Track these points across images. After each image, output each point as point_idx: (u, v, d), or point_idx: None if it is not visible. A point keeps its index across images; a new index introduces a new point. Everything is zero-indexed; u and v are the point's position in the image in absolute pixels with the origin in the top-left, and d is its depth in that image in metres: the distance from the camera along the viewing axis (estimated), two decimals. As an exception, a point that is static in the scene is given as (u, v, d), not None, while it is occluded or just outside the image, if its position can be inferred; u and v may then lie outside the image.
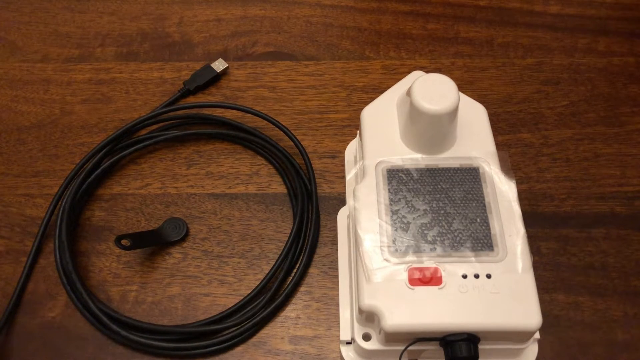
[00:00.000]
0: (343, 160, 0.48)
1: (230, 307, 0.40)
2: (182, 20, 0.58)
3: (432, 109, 0.36)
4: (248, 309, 0.40)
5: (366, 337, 0.36)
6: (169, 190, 0.47)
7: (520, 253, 0.34)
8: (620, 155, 0.48)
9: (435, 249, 0.35)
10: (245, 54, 0.55)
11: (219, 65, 0.53)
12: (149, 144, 0.47)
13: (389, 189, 0.37)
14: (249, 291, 0.41)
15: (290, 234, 0.42)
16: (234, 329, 0.40)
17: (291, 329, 0.41)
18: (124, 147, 0.48)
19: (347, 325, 0.38)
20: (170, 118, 0.49)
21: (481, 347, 0.33)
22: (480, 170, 0.38)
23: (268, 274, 0.41)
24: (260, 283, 0.41)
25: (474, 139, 0.39)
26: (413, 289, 0.33)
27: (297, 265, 0.42)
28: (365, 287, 0.34)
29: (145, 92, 0.53)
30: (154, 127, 0.50)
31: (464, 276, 0.34)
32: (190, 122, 0.50)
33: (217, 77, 0.53)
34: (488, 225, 0.35)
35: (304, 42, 0.56)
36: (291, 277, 0.42)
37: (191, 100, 0.52)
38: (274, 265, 0.41)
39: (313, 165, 0.48)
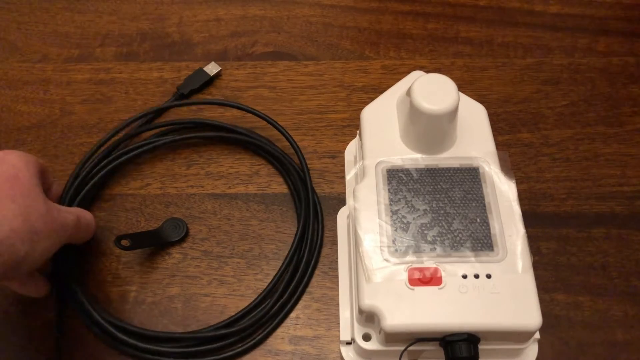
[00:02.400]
0: (343, 160, 0.48)
1: (240, 311, 0.40)
2: (182, 20, 0.58)
3: (432, 109, 0.36)
4: (255, 312, 0.40)
5: (366, 337, 0.36)
6: (169, 190, 0.47)
7: (520, 253, 0.34)
8: (620, 155, 0.48)
9: (435, 249, 0.35)
10: (245, 54, 0.55)
11: (212, 68, 0.53)
12: (146, 149, 0.47)
13: (389, 189, 0.37)
14: (249, 291, 0.41)
15: (295, 237, 0.42)
16: (243, 334, 0.40)
17: (291, 329, 0.41)
18: (120, 155, 0.47)
19: (347, 325, 0.38)
20: (167, 124, 0.49)
21: (481, 347, 0.33)
22: (480, 170, 0.38)
23: (274, 278, 0.41)
24: (267, 287, 0.41)
25: (474, 139, 0.39)
26: (413, 289, 0.33)
27: (308, 271, 0.42)
28: (365, 287, 0.34)
29: (145, 92, 0.53)
30: (154, 132, 0.50)
31: (464, 276, 0.34)
32: (188, 126, 0.50)
33: (210, 81, 0.53)
34: (488, 225, 0.35)
35: (304, 42, 0.56)
36: (302, 286, 0.42)
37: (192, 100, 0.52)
38: (279, 270, 0.41)
39: (313, 165, 0.48)
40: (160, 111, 0.50)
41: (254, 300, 0.40)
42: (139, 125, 0.48)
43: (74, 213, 0.38)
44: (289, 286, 0.41)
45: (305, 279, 0.42)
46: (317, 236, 0.44)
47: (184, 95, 0.52)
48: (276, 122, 0.47)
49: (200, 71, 0.53)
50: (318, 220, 0.44)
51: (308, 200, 0.44)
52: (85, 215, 0.40)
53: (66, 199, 0.43)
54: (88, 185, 0.45)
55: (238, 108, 0.48)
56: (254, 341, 0.40)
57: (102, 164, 0.46)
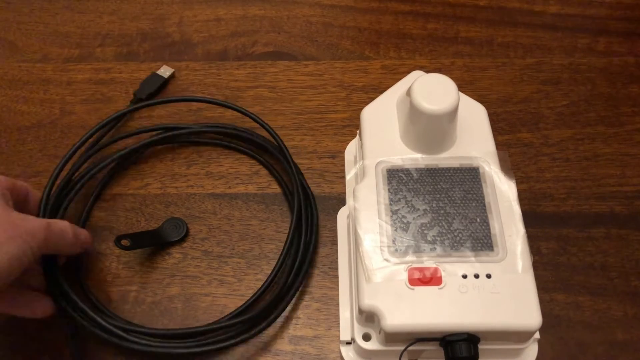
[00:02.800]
0: (343, 160, 0.48)
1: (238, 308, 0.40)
2: (182, 20, 0.58)
3: (432, 109, 0.36)
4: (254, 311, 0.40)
5: (366, 337, 0.36)
6: (169, 190, 0.47)
7: (520, 253, 0.34)
8: (620, 155, 0.48)
9: (435, 249, 0.35)
10: (245, 53, 0.55)
11: (164, 71, 0.53)
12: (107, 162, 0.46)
13: (389, 189, 0.37)
14: (249, 291, 0.41)
15: (290, 231, 0.42)
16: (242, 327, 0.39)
17: (291, 329, 0.41)
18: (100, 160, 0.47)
19: (347, 325, 0.38)
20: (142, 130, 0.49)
21: (481, 347, 0.33)
22: (480, 170, 0.38)
23: (270, 274, 0.41)
24: (263, 284, 0.40)
25: (474, 139, 0.39)
26: (413, 289, 0.33)
27: (303, 267, 0.42)
28: (365, 287, 0.34)
29: (145, 92, 0.53)
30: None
31: (464, 276, 0.34)
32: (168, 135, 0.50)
33: (165, 84, 0.53)
34: (488, 225, 0.35)
35: (304, 42, 0.56)
36: (299, 281, 0.42)
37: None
38: (276, 265, 0.41)
39: (313, 166, 0.48)
40: (121, 117, 0.49)
41: (251, 297, 0.40)
42: (106, 132, 0.48)
43: (44, 220, 0.37)
44: (290, 272, 0.41)
45: (305, 267, 0.42)
46: (312, 218, 0.44)
47: (142, 100, 0.51)
48: (239, 106, 0.47)
49: (154, 75, 0.53)
50: (310, 204, 0.44)
51: (292, 168, 0.44)
52: (58, 222, 0.38)
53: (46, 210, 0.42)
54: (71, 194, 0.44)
55: (197, 101, 0.49)
56: (253, 332, 0.39)
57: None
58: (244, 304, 0.40)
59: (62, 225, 0.38)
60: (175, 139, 0.49)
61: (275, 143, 0.46)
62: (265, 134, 0.47)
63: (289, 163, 0.45)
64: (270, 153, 0.47)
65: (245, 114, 0.47)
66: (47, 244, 0.36)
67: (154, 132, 0.49)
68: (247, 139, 0.48)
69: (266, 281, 0.40)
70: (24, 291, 0.38)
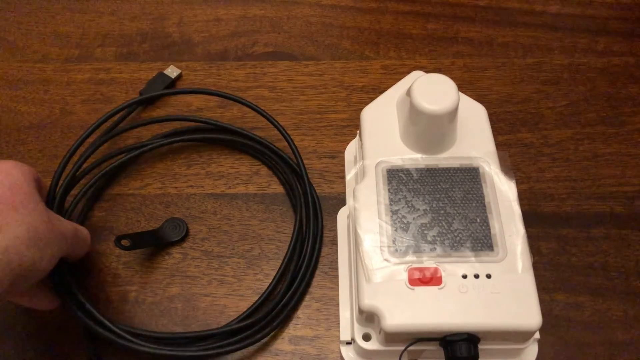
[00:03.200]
0: (343, 160, 0.48)
1: (247, 310, 0.40)
2: (182, 20, 0.58)
3: (432, 109, 0.36)
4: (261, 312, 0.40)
5: (366, 337, 0.36)
6: (169, 190, 0.47)
7: (520, 253, 0.34)
8: (620, 155, 0.48)
9: (435, 249, 0.35)
10: (245, 54, 0.55)
11: (172, 71, 0.53)
12: (135, 154, 0.47)
13: (389, 189, 0.37)
14: (249, 291, 0.41)
15: (293, 233, 0.42)
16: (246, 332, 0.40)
17: (291, 329, 0.41)
18: (119, 153, 0.47)
19: (347, 325, 0.38)
20: (150, 122, 0.49)
21: (481, 347, 0.33)
22: (480, 170, 0.38)
23: (274, 277, 0.41)
24: (268, 286, 0.41)
25: (474, 139, 0.39)
26: (413, 289, 0.33)
27: (308, 269, 0.42)
28: (365, 287, 0.34)
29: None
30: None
31: (464, 276, 0.34)
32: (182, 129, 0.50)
33: (173, 84, 0.53)
34: (488, 225, 0.35)
35: (304, 42, 0.56)
36: (304, 283, 0.42)
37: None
38: (279, 269, 0.41)
39: (313, 165, 0.48)
40: (132, 105, 0.49)
41: (258, 299, 0.40)
42: (114, 123, 0.48)
43: (73, 224, 0.38)
44: (292, 284, 0.41)
45: (307, 277, 0.42)
46: (317, 231, 0.44)
47: (147, 99, 0.51)
48: (262, 109, 0.47)
49: (162, 74, 0.53)
50: (317, 217, 0.44)
51: (306, 192, 0.44)
52: (82, 230, 0.39)
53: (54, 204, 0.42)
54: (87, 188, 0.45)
55: (215, 95, 0.48)
56: (254, 339, 0.39)
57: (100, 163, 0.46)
58: (250, 308, 0.40)
59: (85, 232, 0.40)
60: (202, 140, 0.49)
61: (296, 161, 0.46)
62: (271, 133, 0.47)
63: (305, 181, 0.44)
64: (278, 156, 0.47)
65: (275, 125, 0.47)
66: (70, 250, 0.37)
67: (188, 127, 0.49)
68: (257, 141, 0.48)
69: (268, 287, 0.41)
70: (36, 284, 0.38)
